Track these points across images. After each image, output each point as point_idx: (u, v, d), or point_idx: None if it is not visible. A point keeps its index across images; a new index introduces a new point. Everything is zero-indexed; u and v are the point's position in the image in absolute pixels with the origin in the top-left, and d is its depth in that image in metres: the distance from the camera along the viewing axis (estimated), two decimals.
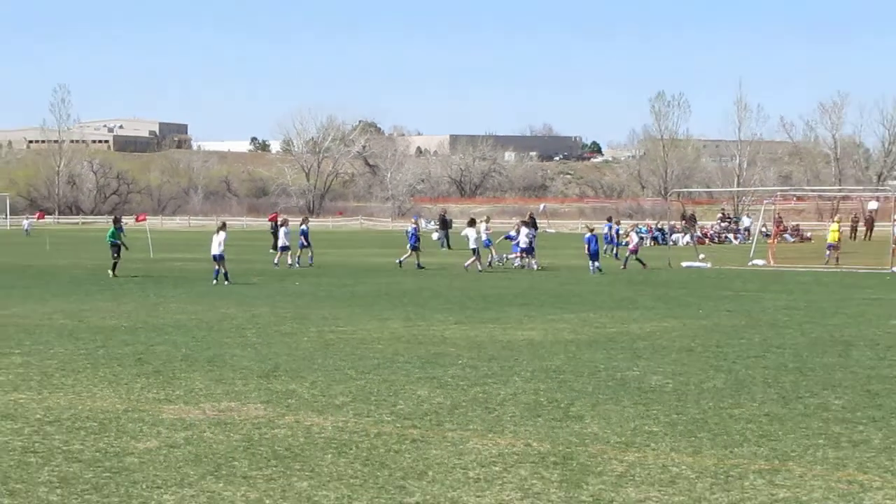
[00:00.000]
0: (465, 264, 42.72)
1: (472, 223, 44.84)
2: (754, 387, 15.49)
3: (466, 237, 44.03)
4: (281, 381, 15.92)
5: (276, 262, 44.95)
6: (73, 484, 10.33)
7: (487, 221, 47.49)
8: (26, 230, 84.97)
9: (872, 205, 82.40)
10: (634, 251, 45.88)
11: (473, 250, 42.99)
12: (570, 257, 45.46)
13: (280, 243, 45.82)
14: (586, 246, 42.34)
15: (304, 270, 42.39)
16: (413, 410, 13.75)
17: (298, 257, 45.25)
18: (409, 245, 45.90)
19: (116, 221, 40.36)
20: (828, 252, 48.98)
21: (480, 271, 41.97)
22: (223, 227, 37.36)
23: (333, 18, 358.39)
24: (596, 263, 41.55)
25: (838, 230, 50.76)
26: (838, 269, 44.17)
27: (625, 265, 44.74)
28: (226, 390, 15.13)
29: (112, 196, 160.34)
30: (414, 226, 47.26)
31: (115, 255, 38.34)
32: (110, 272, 37.79)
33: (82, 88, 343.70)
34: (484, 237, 43.47)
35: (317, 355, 18.61)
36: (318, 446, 11.81)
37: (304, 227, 46.86)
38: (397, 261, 44.82)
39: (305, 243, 45.84)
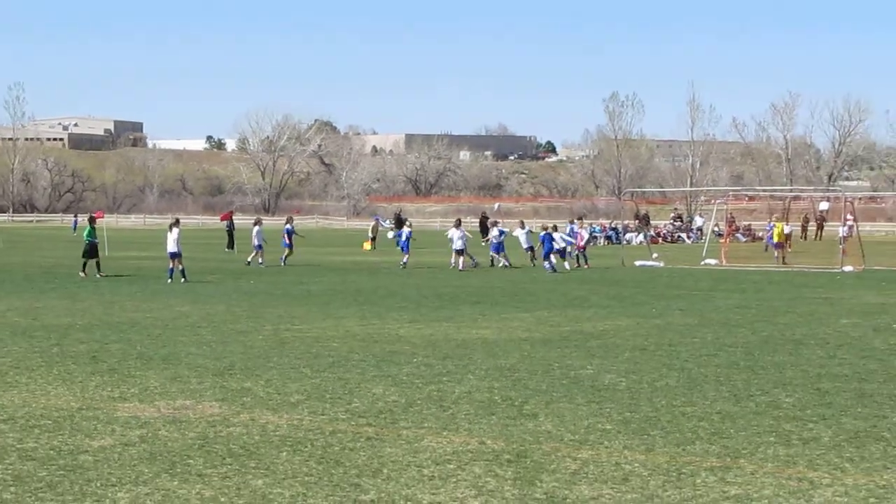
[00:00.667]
0: (461, 267, 42.79)
1: (458, 224, 45.17)
2: (706, 385, 15.63)
3: (451, 239, 44.31)
4: (236, 379, 15.92)
5: (259, 261, 44.69)
6: (27, 482, 10.31)
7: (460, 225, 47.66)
8: None
9: (823, 205, 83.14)
10: (582, 248, 46.10)
11: (458, 251, 43.27)
12: (524, 256, 45.57)
13: (254, 242, 45.62)
14: (541, 244, 42.53)
15: (263, 269, 42.32)
16: (368, 408, 13.80)
17: (284, 256, 45.40)
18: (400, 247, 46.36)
19: (92, 220, 39.51)
20: (776, 252, 49.40)
21: (457, 268, 42.26)
22: (176, 223, 37.14)
23: (290, 17, 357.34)
24: (550, 262, 41.67)
25: (782, 228, 51.25)
26: (789, 269, 44.53)
27: (578, 263, 44.94)
28: (181, 388, 15.12)
29: (67, 194, 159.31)
30: (409, 230, 47.27)
31: (94, 254, 37.43)
32: (92, 273, 36.70)
33: (37, 86, 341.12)
34: (460, 244, 43.50)
35: (272, 353, 18.62)
36: (273, 444, 11.83)
37: (288, 226, 46.77)
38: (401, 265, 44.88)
39: (288, 242, 45.77)
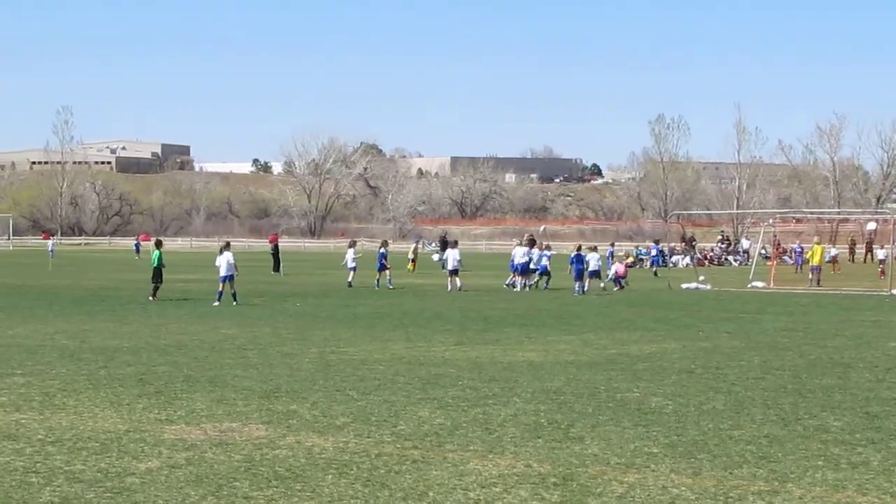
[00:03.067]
0: (458, 287, 43.07)
1: (454, 244, 46.01)
2: (754, 408, 15.52)
3: (445, 260, 44.91)
4: (282, 401, 15.94)
5: (348, 280, 46.34)
6: None
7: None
8: (51, 251, 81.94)
9: (871, 225, 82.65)
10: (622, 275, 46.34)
11: (452, 271, 43.96)
12: (570, 279, 45.51)
13: (349, 264, 47.15)
14: (569, 267, 42.63)
15: (350, 290, 42.45)
16: (414, 431, 13.78)
17: (378, 279, 45.90)
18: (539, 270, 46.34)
19: (159, 244, 39.57)
20: (811, 274, 49.09)
21: (455, 290, 42.54)
22: (227, 246, 37.29)
23: (336, 40, 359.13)
24: (581, 285, 41.69)
25: (822, 252, 50.96)
26: (837, 292, 44.19)
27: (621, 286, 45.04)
28: (227, 411, 15.15)
29: (114, 217, 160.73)
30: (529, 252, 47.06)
31: (160, 279, 37.39)
32: (152, 297, 36.64)
33: (85, 110, 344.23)
34: (452, 264, 44.12)
35: (318, 376, 18.64)
36: (319, 467, 11.83)
37: (382, 250, 47.38)
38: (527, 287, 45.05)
39: (385, 265, 46.18)
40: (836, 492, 10.89)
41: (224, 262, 35.81)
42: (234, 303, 34.85)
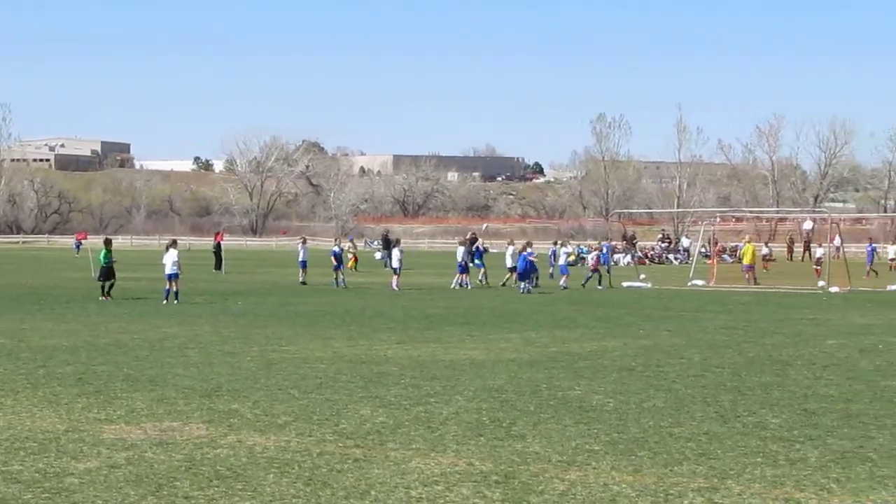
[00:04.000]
0: (394, 285, 43.09)
1: (397, 243, 46.91)
2: (694, 406, 15.63)
3: (388, 259, 45.30)
4: (223, 400, 15.88)
5: (301, 279, 47.39)
6: None
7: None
8: None
9: (807, 225, 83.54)
10: (594, 269, 46.48)
11: (394, 269, 44.35)
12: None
13: (300, 258, 48.48)
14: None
15: (303, 287, 42.26)
16: (355, 430, 13.77)
17: (336, 278, 45.60)
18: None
19: (108, 243, 39.21)
20: (746, 274, 49.44)
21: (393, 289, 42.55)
22: (174, 244, 37.02)
23: (278, 39, 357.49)
24: (525, 284, 41.76)
25: (753, 250, 51.46)
26: (776, 290, 44.56)
27: (601, 283, 45.31)
28: (167, 410, 15.07)
29: (53, 215, 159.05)
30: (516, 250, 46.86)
31: (109, 277, 36.90)
32: (102, 297, 36.18)
33: (23, 107, 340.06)
34: (396, 263, 44.39)
35: (259, 375, 18.57)
36: (260, 466, 11.79)
37: (336, 248, 47.37)
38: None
39: (336, 265, 46.07)
40: (774, 488, 10.98)
41: (169, 260, 35.59)
42: (175, 301, 34.66)
